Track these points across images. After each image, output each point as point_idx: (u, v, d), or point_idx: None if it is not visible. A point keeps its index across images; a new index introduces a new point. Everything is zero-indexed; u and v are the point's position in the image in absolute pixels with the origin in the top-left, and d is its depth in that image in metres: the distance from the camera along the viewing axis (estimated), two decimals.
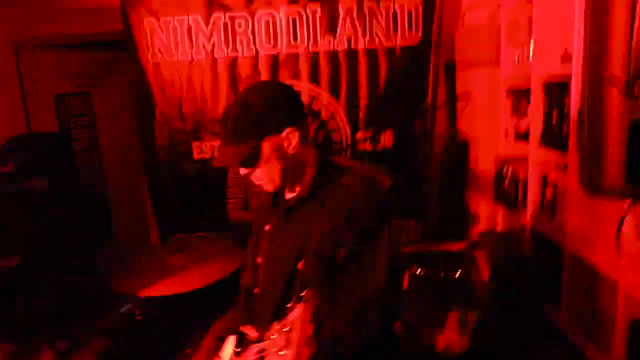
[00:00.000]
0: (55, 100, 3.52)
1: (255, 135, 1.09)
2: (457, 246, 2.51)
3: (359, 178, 1.16)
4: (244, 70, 2.89)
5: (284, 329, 0.78)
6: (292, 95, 1.19)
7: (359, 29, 2.76)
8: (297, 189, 1.19)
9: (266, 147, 1.10)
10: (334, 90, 2.86)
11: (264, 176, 1.13)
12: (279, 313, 1.06)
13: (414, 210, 2.88)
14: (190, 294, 1.94)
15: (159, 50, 2.88)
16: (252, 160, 1.10)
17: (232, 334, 1.22)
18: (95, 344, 2.97)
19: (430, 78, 2.80)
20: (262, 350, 0.86)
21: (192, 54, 2.88)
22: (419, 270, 2.25)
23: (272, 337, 0.83)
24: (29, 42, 3.28)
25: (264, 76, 2.86)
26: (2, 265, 2.75)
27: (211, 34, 2.84)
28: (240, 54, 2.86)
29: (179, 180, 3.12)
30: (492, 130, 2.59)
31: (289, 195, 1.22)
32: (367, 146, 2.87)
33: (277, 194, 1.26)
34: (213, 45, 2.86)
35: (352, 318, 1.01)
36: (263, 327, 1.08)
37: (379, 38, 2.76)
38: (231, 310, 1.40)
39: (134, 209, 3.56)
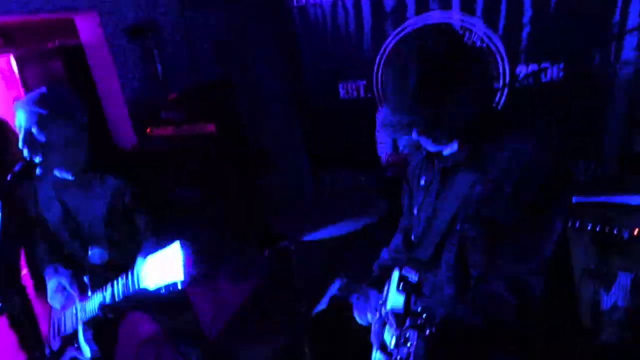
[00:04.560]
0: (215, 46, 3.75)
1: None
2: None
3: (528, 139, 0.99)
4: (388, 4, 2.71)
5: (403, 344, 0.82)
6: None
7: None
8: (456, 146, 1.07)
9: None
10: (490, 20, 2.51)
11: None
12: (433, 265, 1.12)
13: (585, 148, 2.50)
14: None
15: None
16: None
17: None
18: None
19: None
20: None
21: None
22: (586, 223, 1.98)
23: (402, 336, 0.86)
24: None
25: (411, 7, 2.64)
26: (187, 196, 3.27)
27: None
28: None
29: (327, 120, 3.20)
30: None
31: (446, 152, 1.10)
32: (529, 82, 2.52)
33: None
34: None
35: (513, 285, 0.96)
36: (420, 273, 1.09)
37: None
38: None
39: (290, 146, 3.76)
